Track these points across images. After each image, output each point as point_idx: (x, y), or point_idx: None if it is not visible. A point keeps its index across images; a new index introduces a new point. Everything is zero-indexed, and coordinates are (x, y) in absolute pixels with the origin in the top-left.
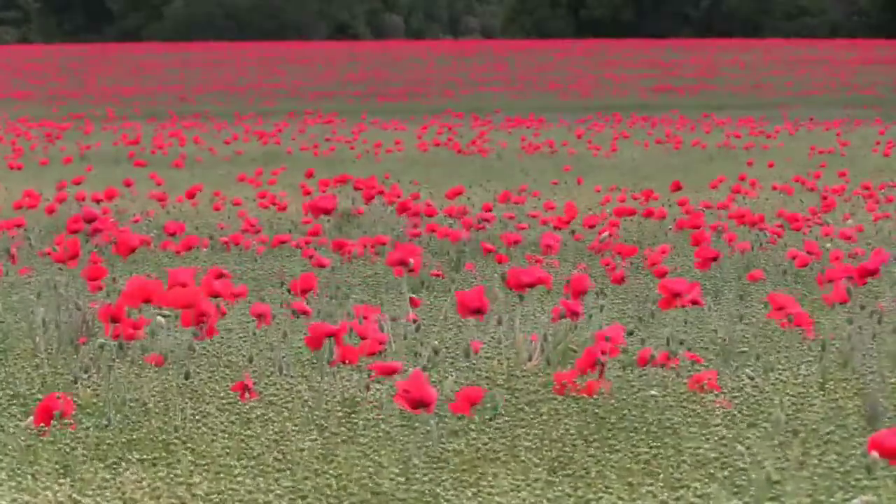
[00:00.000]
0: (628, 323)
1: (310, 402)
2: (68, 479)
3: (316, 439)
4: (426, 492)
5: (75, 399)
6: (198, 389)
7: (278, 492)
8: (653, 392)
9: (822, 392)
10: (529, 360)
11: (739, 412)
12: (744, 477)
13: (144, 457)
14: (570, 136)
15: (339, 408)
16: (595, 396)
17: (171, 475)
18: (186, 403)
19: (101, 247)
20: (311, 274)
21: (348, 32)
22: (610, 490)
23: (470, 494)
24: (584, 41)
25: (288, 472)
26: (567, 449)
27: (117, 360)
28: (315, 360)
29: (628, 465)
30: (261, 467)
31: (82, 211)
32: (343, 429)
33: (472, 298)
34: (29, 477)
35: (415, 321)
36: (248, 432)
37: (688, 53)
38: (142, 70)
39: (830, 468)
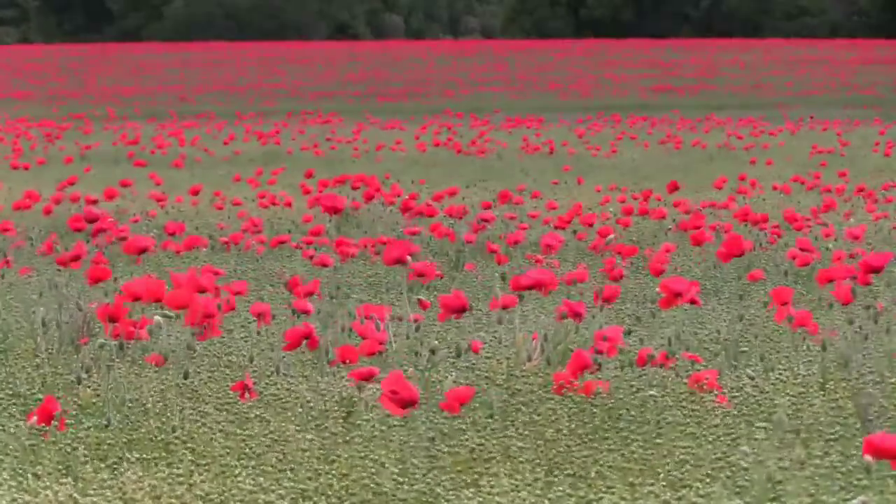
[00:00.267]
0: (625, 321)
1: (310, 402)
2: (69, 479)
3: (314, 440)
4: (426, 492)
5: (76, 399)
6: (198, 389)
7: (279, 492)
8: (651, 392)
9: (822, 392)
10: (529, 359)
11: (740, 412)
12: (745, 477)
13: (145, 457)
14: (570, 136)
15: (338, 408)
16: (593, 396)
17: (172, 475)
18: (186, 403)
19: (102, 247)
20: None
21: (348, 32)
22: (611, 490)
23: (470, 494)
24: (584, 41)
25: (289, 472)
26: (567, 449)
27: (117, 360)
28: (315, 361)
29: (629, 465)
30: (261, 467)
31: (84, 212)
32: (343, 429)
33: (454, 299)
34: (30, 477)
35: (416, 321)
36: (249, 432)
37: (688, 53)
38: (142, 70)
39: (832, 468)
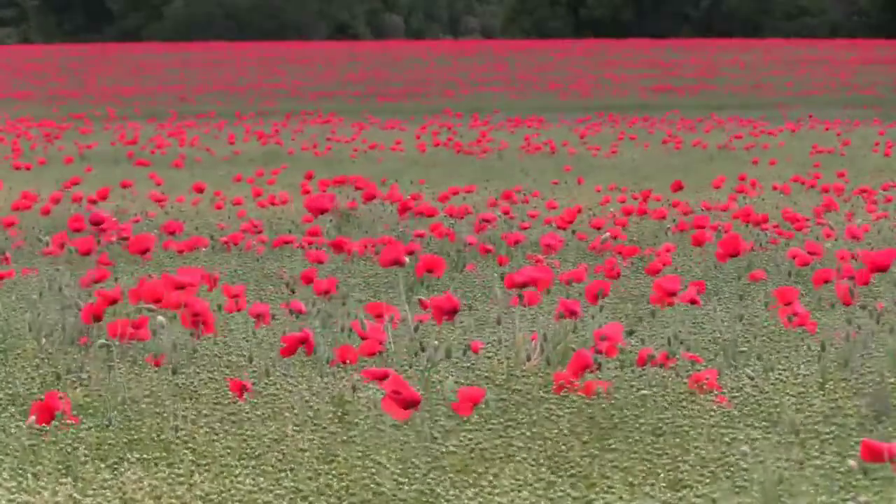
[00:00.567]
0: (625, 320)
1: (310, 403)
2: (69, 479)
3: (313, 440)
4: (426, 492)
5: (76, 399)
6: (198, 389)
7: (279, 492)
8: (644, 391)
9: (821, 392)
10: (529, 359)
11: (739, 412)
12: (745, 477)
13: (145, 457)
14: (571, 135)
15: (337, 408)
16: (593, 396)
17: (172, 475)
18: (186, 403)
19: (104, 246)
20: (314, 270)
21: (348, 32)
22: (611, 490)
23: (470, 494)
24: (584, 41)
25: (289, 472)
26: (567, 449)
27: (118, 361)
28: (314, 362)
29: (629, 465)
30: (262, 467)
31: (87, 212)
32: (343, 429)
33: (445, 301)
34: (30, 476)
35: (416, 321)
36: (249, 432)
37: (688, 53)
38: (142, 70)
39: (832, 468)
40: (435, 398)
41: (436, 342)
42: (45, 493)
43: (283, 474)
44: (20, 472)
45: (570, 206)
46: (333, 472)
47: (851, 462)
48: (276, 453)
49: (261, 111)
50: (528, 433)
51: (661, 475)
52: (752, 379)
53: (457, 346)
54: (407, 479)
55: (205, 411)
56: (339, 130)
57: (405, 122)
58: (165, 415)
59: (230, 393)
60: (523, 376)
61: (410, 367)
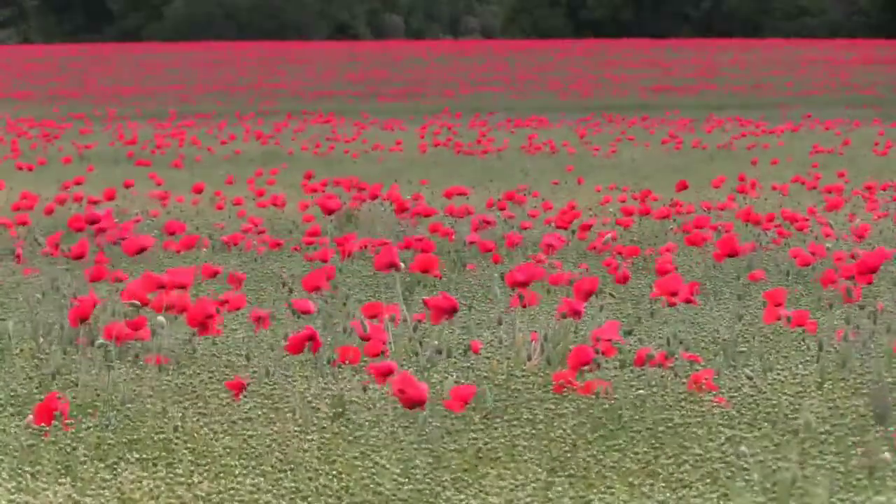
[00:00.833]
0: (625, 320)
1: (310, 403)
2: (68, 479)
3: (313, 440)
4: (426, 492)
5: (75, 399)
6: (197, 389)
7: (279, 492)
8: (640, 391)
9: (820, 392)
10: (529, 359)
11: (738, 412)
12: (745, 477)
13: (144, 457)
14: (571, 135)
15: (338, 408)
16: (593, 396)
17: (172, 475)
18: (186, 403)
19: (102, 246)
20: (317, 272)
21: (348, 32)
22: (611, 490)
23: (470, 494)
24: (584, 41)
25: (289, 472)
26: (567, 449)
27: (117, 361)
28: (315, 361)
29: (628, 465)
30: (261, 467)
31: (85, 213)
32: (343, 429)
33: (443, 300)
34: (29, 477)
35: (418, 321)
36: (249, 432)
37: (688, 53)
38: (142, 70)
39: (831, 468)
40: (437, 399)
41: (435, 342)
42: (44, 494)
43: (283, 474)
44: (19, 472)
45: (570, 207)
46: (333, 472)
47: (887, 455)
48: (276, 453)
49: (261, 111)
50: (528, 433)
51: (661, 475)
52: (750, 379)
53: (457, 346)
54: (407, 479)
55: (205, 411)
56: (339, 130)
57: (405, 122)
58: (165, 415)
59: (230, 393)
60: (523, 376)
61: (410, 367)
